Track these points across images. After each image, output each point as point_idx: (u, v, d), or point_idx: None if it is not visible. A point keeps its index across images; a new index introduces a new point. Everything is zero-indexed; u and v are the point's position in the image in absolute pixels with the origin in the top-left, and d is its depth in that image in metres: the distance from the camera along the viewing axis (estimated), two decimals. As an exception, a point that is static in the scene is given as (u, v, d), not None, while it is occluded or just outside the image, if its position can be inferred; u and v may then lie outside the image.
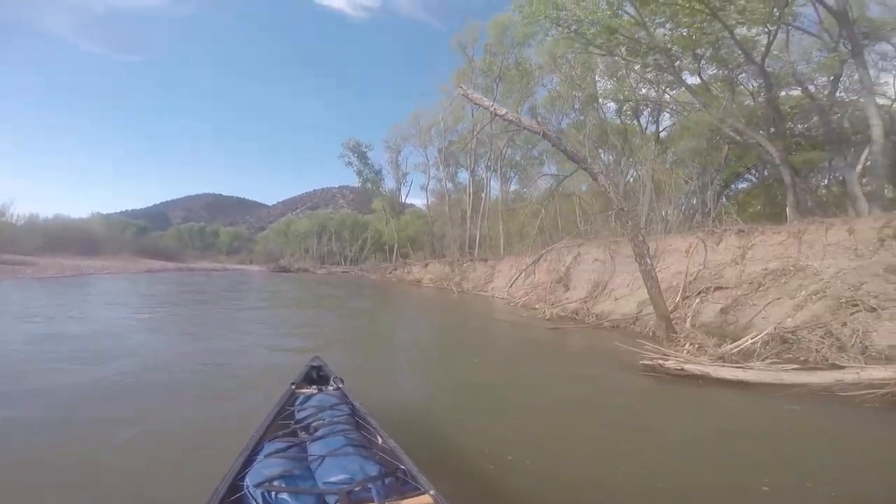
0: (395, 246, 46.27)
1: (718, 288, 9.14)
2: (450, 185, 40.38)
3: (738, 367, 5.48)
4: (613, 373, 6.12)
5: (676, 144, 18.76)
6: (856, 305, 6.69)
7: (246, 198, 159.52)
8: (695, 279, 9.88)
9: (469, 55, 30.98)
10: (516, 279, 18.11)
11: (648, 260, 8.16)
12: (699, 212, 17.71)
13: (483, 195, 33.18)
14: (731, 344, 6.28)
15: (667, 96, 19.58)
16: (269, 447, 2.38)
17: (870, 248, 7.74)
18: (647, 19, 13.43)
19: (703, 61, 15.49)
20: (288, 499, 1.97)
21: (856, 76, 12.63)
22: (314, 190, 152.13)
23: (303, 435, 2.62)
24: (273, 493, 1.99)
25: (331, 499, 1.98)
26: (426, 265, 33.24)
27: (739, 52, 13.32)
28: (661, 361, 5.76)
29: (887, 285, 6.80)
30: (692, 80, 17.24)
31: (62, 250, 31.01)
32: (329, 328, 10.71)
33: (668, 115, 21.69)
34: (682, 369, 5.49)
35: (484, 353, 8.32)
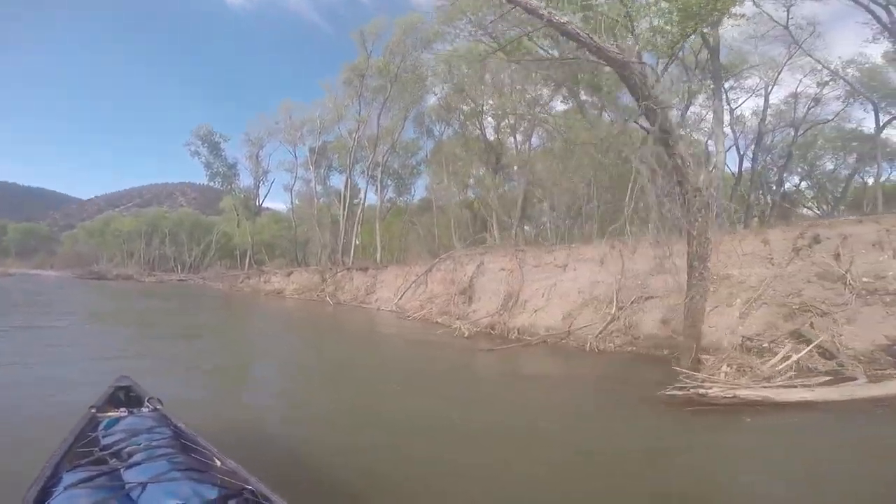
0: (249, 251, 40.18)
1: (649, 297, 8.55)
2: (320, 187, 36.72)
3: (805, 388, 4.46)
4: (624, 409, 4.64)
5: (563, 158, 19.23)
6: (807, 311, 6.39)
7: (50, 189, 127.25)
8: (619, 289, 9.22)
9: (367, 50, 28.45)
10: (406, 290, 16.18)
11: (708, 265, 6.36)
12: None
13: (357, 201, 30.57)
14: (766, 362, 5.29)
15: (545, 115, 20.00)
16: (69, 477, 2.00)
17: (785, 258, 7.81)
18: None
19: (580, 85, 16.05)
20: None
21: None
22: (148, 185, 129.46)
23: (113, 462, 2.22)
24: None
25: None
26: (289, 274, 29.06)
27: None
28: (700, 390, 4.42)
29: (825, 291, 6.70)
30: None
31: None
32: (153, 355, 7.82)
33: (538, 135, 22.42)
34: (736, 396, 4.25)
35: (417, 388, 6.19)
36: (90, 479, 2.02)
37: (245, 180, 40.55)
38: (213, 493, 1.89)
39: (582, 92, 16.56)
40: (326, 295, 21.88)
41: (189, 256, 52.19)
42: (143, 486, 1.94)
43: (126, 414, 3.00)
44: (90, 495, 1.88)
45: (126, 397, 3.46)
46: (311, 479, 3.15)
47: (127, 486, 1.97)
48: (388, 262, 22.91)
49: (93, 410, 3.02)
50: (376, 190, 30.65)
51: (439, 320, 12.29)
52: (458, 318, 11.50)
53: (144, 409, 3.14)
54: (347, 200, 30.59)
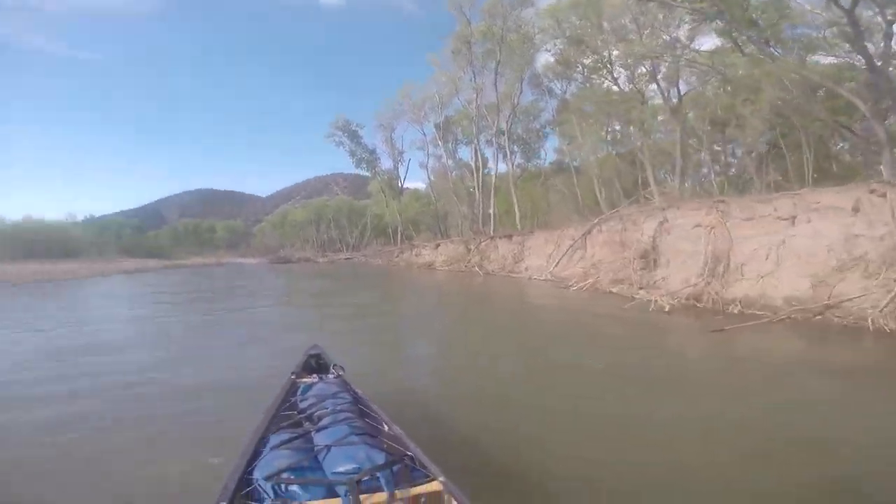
0: (399, 228, 42.02)
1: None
2: (450, 161, 36.26)
3: None
4: None
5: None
6: None
7: (240, 191, 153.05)
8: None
9: (467, 17, 26.63)
10: (561, 257, 14.31)
11: None
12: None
13: (488, 170, 29.52)
14: None
15: (691, 54, 15.49)
16: (274, 439, 2.22)
17: None
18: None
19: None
20: (298, 490, 1.81)
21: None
22: (307, 179, 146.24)
23: (307, 425, 2.43)
24: (283, 486, 1.82)
25: (340, 489, 1.80)
26: (437, 246, 29.21)
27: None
28: None
29: None
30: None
31: (33, 256, 26.62)
32: (332, 329, 8.08)
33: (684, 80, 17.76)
34: None
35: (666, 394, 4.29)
36: (290, 440, 2.19)
37: (385, 163, 42.32)
38: (381, 458, 1.93)
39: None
40: (475, 265, 21.10)
41: (350, 237, 57.23)
42: (328, 448, 2.04)
43: (317, 380, 3.24)
44: (289, 456, 2.01)
45: (317, 364, 3.72)
46: (490, 469, 2.79)
47: (315, 449, 2.10)
48: (530, 228, 21.11)
49: (293, 376, 3.29)
50: (504, 157, 28.86)
51: (613, 290, 10.25)
52: (640, 288, 9.34)
53: (330, 376, 3.36)
54: (479, 170, 29.45)
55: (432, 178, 38.47)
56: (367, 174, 45.66)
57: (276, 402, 2.82)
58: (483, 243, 22.77)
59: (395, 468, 1.90)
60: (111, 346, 6.88)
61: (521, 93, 26.73)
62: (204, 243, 63.16)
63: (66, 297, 14.83)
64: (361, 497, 1.76)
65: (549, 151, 31.47)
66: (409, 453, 2.08)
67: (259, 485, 1.88)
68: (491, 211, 27.71)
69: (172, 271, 29.78)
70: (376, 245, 50.68)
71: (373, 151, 41.85)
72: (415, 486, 1.88)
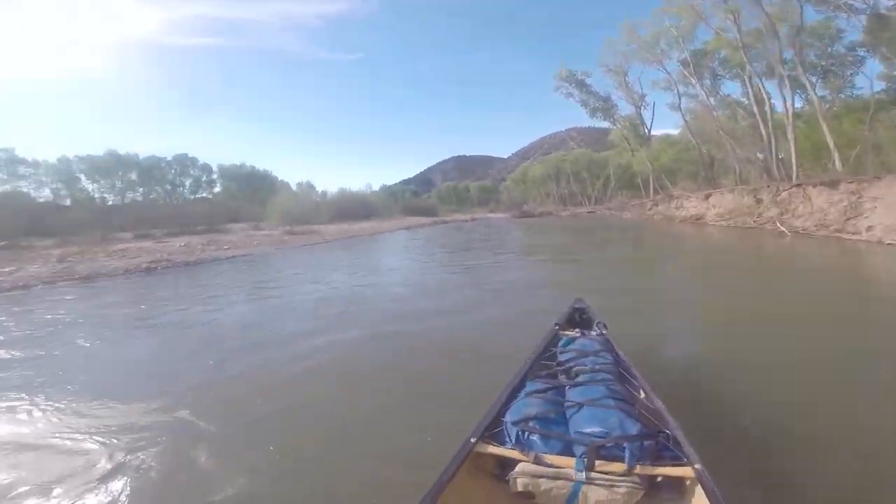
0: (651, 178, 38.10)
1: None
2: (711, 100, 29.97)
3: None
4: None
5: None
6: None
7: (485, 154, 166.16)
8: None
9: None
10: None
11: None
12: None
13: (770, 106, 23.14)
14: None
15: None
16: (530, 386, 2.25)
17: None
18: None
19: None
20: (537, 440, 1.81)
21: None
22: (542, 137, 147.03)
23: (562, 378, 2.39)
24: (526, 433, 1.84)
25: (578, 449, 1.74)
26: (707, 196, 25.24)
27: None
28: None
29: None
30: None
31: (345, 217, 35.34)
32: (597, 285, 7.53)
33: None
34: None
35: None
36: (544, 390, 2.17)
37: (625, 109, 38.49)
38: (633, 429, 1.78)
39: None
40: (772, 221, 17.30)
41: (592, 190, 55.52)
42: (579, 406, 1.98)
43: (579, 335, 3.10)
44: (539, 405, 1.99)
45: (580, 318, 3.58)
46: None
47: (566, 404, 2.05)
48: (874, 172, 15.67)
49: (556, 327, 3.22)
50: (792, 89, 21.69)
51: None
52: None
53: (593, 332, 3.17)
54: (764, 105, 23.43)
55: (688, 119, 32.90)
56: (606, 124, 42.72)
57: (536, 351, 2.81)
58: (785, 192, 18.35)
59: (645, 443, 1.74)
60: (392, 292, 8.00)
61: (801, 11, 19.87)
62: (462, 202, 72.07)
63: (364, 248, 18.34)
64: (597, 462, 1.67)
65: (863, 79, 22.57)
66: (665, 430, 1.86)
67: (506, 427, 1.91)
68: (787, 153, 21.98)
69: (438, 226, 34.54)
70: (622, 197, 47.63)
71: (607, 99, 38.70)
72: (661, 465, 1.70)
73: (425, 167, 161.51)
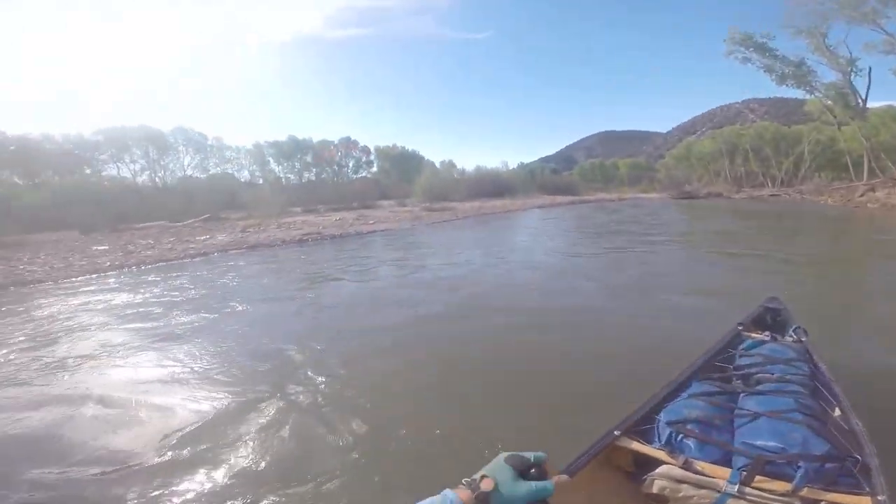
0: (865, 157, 29.23)
1: None
2: None
3: None
4: None
5: None
6: None
7: (638, 129, 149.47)
8: None
9: None
10: None
11: None
12: None
13: None
14: None
15: None
16: (696, 387, 2.02)
17: None
18: None
19: None
20: (692, 445, 1.62)
21: None
22: (711, 110, 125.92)
23: (737, 383, 2.09)
24: (680, 435, 1.66)
25: (739, 460, 1.55)
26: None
27: None
28: None
29: None
30: None
31: (480, 195, 35.02)
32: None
33: None
34: None
35: None
36: (710, 393, 1.96)
37: (826, 76, 29.64)
38: (819, 448, 1.52)
39: None
40: None
41: (778, 170, 45.57)
42: (755, 416, 1.75)
43: (768, 339, 2.65)
44: (703, 409, 1.81)
45: (772, 320, 3.08)
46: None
47: (737, 412, 1.83)
48: None
49: (739, 328, 2.84)
50: None
51: None
52: None
53: (787, 338, 2.72)
54: None
55: None
56: (797, 93, 33.76)
57: (710, 351, 2.50)
58: None
59: (826, 465, 1.45)
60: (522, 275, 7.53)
61: None
62: (609, 180, 66.11)
63: (494, 226, 17.64)
64: (757, 478, 1.45)
65: None
66: (855, 455, 1.51)
67: (659, 426, 1.75)
68: None
69: (577, 206, 31.82)
70: (819, 179, 38.22)
71: (800, 64, 30.11)
72: (833, 492, 1.39)
73: (566, 144, 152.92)
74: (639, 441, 1.72)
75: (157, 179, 39.30)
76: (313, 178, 47.49)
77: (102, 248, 13.30)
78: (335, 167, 50.59)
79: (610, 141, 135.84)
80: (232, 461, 2.48)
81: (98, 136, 37.12)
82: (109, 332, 5.14)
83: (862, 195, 26.17)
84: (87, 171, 34.75)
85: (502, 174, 48.06)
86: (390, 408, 3.01)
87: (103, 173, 36.44)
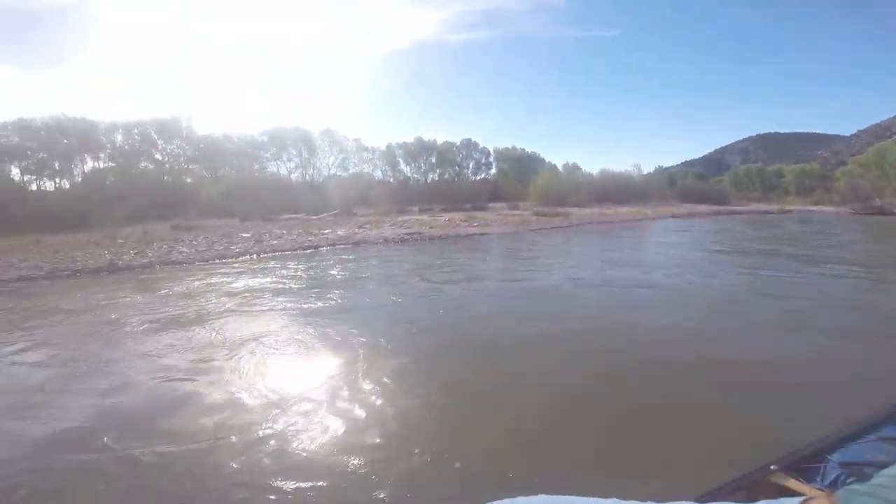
0: None
1: None
2: None
3: None
4: None
5: None
6: None
7: (810, 131, 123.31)
8: None
9: None
10: None
11: None
12: None
13: None
14: None
15: None
16: (891, 430, 1.72)
17: None
18: None
19: None
20: (863, 491, 1.17)
21: None
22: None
23: None
24: (852, 479, 1.44)
25: None
26: None
27: None
28: None
29: None
30: None
31: (606, 200, 31.98)
32: None
33: None
34: None
35: None
36: None
37: None
38: None
39: None
40: None
41: None
42: None
43: None
44: (885, 452, 1.59)
45: None
46: None
47: None
48: None
49: None
50: None
51: None
52: None
53: None
54: None
55: None
56: None
57: None
58: None
59: None
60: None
61: None
62: (770, 189, 55.69)
63: (608, 241, 15.25)
64: None
65: None
66: None
67: (826, 466, 1.56)
68: None
69: (724, 217, 27.05)
70: None
71: None
72: None
73: (716, 147, 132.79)
74: (799, 480, 1.51)
75: (307, 176, 44.86)
76: (436, 178, 49.42)
77: (246, 235, 15.37)
78: (456, 168, 51.93)
79: (772, 143, 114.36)
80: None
81: (263, 137, 43.88)
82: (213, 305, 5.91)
83: None
84: (255, 168, 41.21)
85: (632, 178, 43.60)
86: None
87: (267, 170, 42.88)
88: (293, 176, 44.63)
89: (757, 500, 1.50)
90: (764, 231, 17.90)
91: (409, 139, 49.01)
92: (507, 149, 55.59)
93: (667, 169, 61.12)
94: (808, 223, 23.07)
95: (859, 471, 1.49)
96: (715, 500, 1.37)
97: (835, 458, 1.58)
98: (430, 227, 16.29)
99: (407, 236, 13.94)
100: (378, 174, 47.54)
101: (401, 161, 48.76)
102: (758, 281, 7.69)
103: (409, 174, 48.63)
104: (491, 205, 31.14)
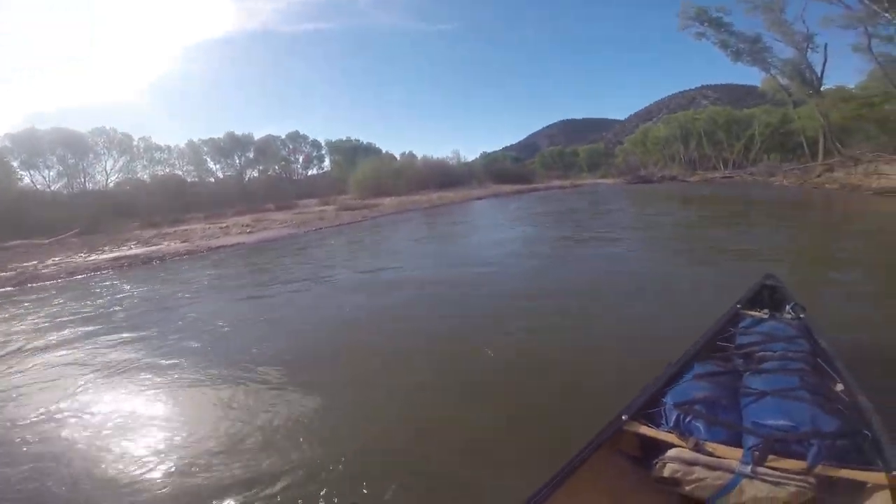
0: (822, 137, 27.03)
1: None
2: None
3: None
4: None
5: None
6: None
7: (598, 117, 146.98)
8: None
9: None
10: None
11: None
12: None
13: None
14: None
15: None
16: (699, 368, 1.95)
17: None
18: None
19: None
20: (701, 426, 1.58)
21: None
22: (669, 96, 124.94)
23: (739, 363, 2.05)
24: (688, 417, 1.62)
25: (749, 440, 1.49)
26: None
27: None
28: None
29: None
30: None
31: (427, 187, 31.28)
32: None
33: None
34: None
35: None
36: (714, 374, 1.91)
37: (782, 53, 27.42)
38: (829, 425, 1.47)
39: None
40: None
41: (730, 153, 43.90)
42: (761, 395, 1.69)
43: (767, 316, 2.58)
44: (709, 389, 1.74)
45: (770, 298, 2.89)
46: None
47: (743, 390, 1.79)
48: None
49: (738, 307, 2.72)
50: None
51: None
52: None
53: (786, 315, 2.63)
54: None
55: (877, 64, 21.67)
56: (748, 79, 32.28)
57: (711, 331, 2.37)
58: None
59: (838, 442, 1.42)
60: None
61: None
62: (569, 167, 63.44)
63: (403, 228, 14.43)
64: (770, 457, 1.41)
65: None
66: (865, 431, 1.48)
67: (665, 409, 1.70)
68: None
69: (524, 196, 28.09)
70: (768, 161, 36.72)
71: (756, 39, 27.76)
72: (846, 468, 1.36)
73: (529, 133, 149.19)
74: (647, 425, 1.65)
75: (74, 187, 34.16)
76: (256, 174, 42.99)
77: None
78: (282, 163, 46.18)
79: (571, 129, 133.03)
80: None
81: (5, 142, 31.98)
82: None
83: (819, 175, 23.89)
84: (-1, 179, 29.39)
85: (448, 165, 43.75)
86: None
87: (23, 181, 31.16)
88: (56, 187, 33.78)
89: (624, 449, 1.64)
90: (547, 205, 18.53)
91: (220, 135, 41.60)
92: (340, 141, 51.73)
93: (489, 154, 64.77)
94: (590, 194, 25.32)
95: (690, 408, 1.63)
96: (587, 457, 1.49)
97: (668, 400, 1.72)
98: (182, 241, 12.33)
99: (114, 262, 9.85)
100: (179, 174, 39.13)
101: (208, 160, 41.10)
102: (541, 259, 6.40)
103: (219, 172, 41.32)
104: (304, 201, 27.23)
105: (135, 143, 37.04)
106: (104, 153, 36.05)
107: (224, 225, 15.49)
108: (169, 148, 38.46)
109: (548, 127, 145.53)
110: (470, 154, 57.00)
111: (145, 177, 35.97)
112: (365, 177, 29.69)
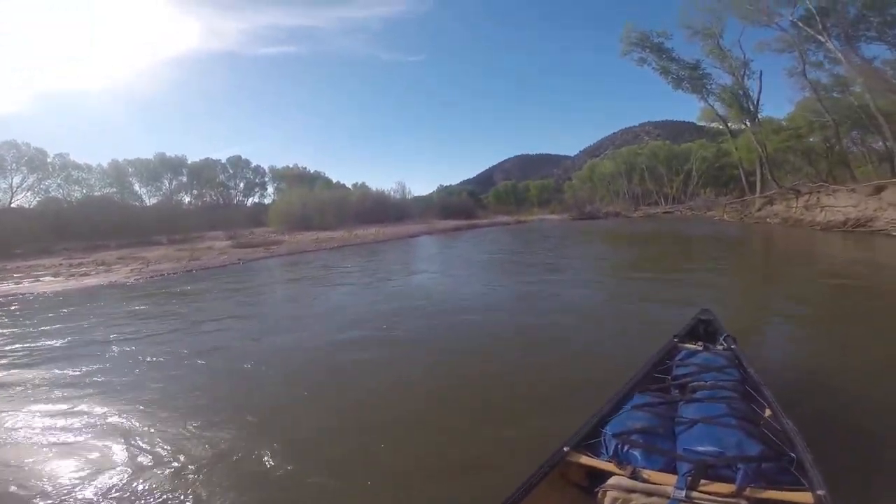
0: (759, 168, 26.48)
1: None
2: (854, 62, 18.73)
3: None
4: None
5: None
6: None
7: (550, 153, 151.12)
8: None
9: None
10: None
11: None
12: None
13: None
14: None
15: None
16: (638, 399, 1.97)
17: None
18: None
19: None
20: (638, 455, 1.60)
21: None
22: (614, 133, 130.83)
23: (675, 393, 2.09)
24: (626, 446, 1.63)
25: (683, 466, 1.51)
26: (878, 190, 14.49)
27: None
28: None
29: None
30: None
31: (367, 221, 28.13)
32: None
33: None
34: None
35: None
36: (651, 404, 1.91)
37: (721, 79, 27.37)
38: (754, 450, 1.49)
39: None
40: None
41: (670, 188, 44.22)
42: (692, 423, 1.69)
43: (701, 348, 2.64)
44: (645, 419, 1.76)
45: (704, 331, 3.00)
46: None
47: (677, 419, 1.78)
48: None
49: (675, 340, 2.76)
50: None
51: None
52: None
53: (719, 347, 2.70)
54: None
55: (809, 94, 21.67)
56: (685, 115, 32.65)
57: (649, 363, 2.43)
58: None
59: (764, 465, 1.44)
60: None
61: None
62: (521, 202, 62.39)
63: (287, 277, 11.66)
64: (702, 482, 1.43)
65: None
66: (790, 454, 1.52)
67: (605, 439, 1.70)
68: None
69: (462, 233, 25.21)
70: (705, 195, 36.96)
71: (695, 66, 27.59)
72: (774, 489, 1.39)
73: (487, 166, 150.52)
74: (588, 455, 1.69)
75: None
76: (188, 199, 38.50)
77: None
78: (219, 189, 41.92)
79: (526, 164, 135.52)
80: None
81: None
82: None
83: (759, 209, 23.04)
84: None
85: (387, 197, 39.99)
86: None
87: None
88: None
89: (569, 479, 1.65)
90: (490, 245, 16.01)
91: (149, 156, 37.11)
92: (286, 168, 48.07)
93: (447, 188, 62.58)
94: (528, 232, 23.08)
95: (627, 438, 1.63)
96: (532, 487, 1.48)
97: (608, 430, 1.71)
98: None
99: None
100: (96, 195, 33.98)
101: (133, 181, 36.37)
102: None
103: (144, 197, 36.48)
104: (212, 233, 23.03)
105: (49, 159, 31.86)
106: (12, 168, 30.62)
107: (78, 263, 11.70)
108: (89, 167, 33.44)
109: (504, 161, 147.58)
110: (429, 187, 54.74)
111: (59, 196, 30.88)
112: (288, 208, 26.05)
